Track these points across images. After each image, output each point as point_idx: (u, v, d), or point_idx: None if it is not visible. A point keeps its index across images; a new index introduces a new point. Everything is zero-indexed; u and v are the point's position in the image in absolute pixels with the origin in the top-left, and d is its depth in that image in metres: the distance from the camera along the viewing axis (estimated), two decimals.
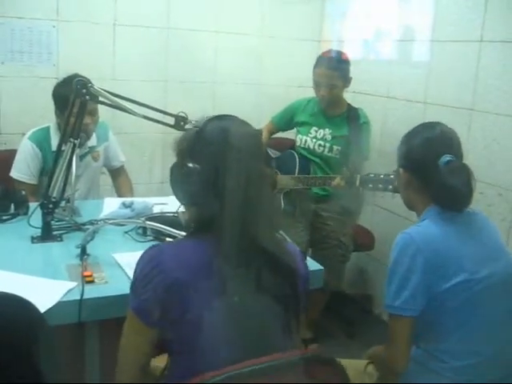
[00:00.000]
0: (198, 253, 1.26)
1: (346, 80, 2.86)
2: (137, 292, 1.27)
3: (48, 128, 2.69)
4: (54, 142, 2.63)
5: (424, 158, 1.64)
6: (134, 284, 1.28)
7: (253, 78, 3.64)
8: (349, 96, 2.98)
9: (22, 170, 2.65)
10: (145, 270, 1.25)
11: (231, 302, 1.22)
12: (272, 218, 1.31)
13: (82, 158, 2.68)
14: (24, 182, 2.63)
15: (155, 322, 1.25)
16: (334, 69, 2.79)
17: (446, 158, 1.58)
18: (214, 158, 1.28)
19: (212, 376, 1.08)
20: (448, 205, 1.62)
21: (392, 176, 2.40)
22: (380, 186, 2.42)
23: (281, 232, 1.46)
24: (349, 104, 2.96)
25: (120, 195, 2.98)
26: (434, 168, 1.59)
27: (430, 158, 1.61)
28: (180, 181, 1.34)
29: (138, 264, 1.29)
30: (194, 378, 1.11)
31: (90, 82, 2.03)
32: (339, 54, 2.87)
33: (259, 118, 3.27)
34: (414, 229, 1.64)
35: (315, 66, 2.88)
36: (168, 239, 1.91)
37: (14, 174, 2.66)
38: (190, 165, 1.29)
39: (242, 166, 1.25)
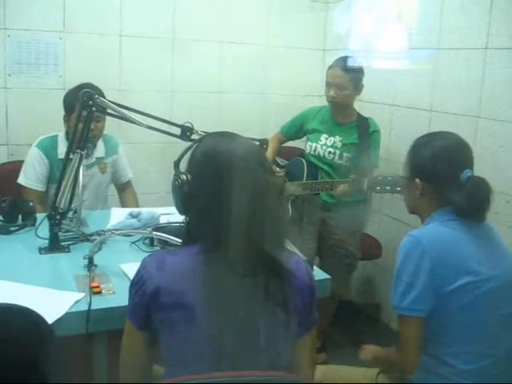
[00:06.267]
0: (188, 262, 1.29)
1: (357, 87, 2.84)
2: (130, 297, 1.34)
3: (56, 136, 2.72)
4: (61, 149, 2.66)
5: (445, 171, 1.65)
6: (129, 290, 1.35)
7: (258, 87, 3.65)
8: (355, 105, 2.98)
9: (30, 176, 2.67)
10: (136, 276, 1.32)
11: (218, 312, 1.24)
12: (269, 229, 1.30)
13: (87, 168, 2.69)
14: (32, 189, 2.66)
15: (143, 326, 1.31)
16: (346, 71, 2.80)
17: (468, 173, 1.62)
18: (206, 169, 1.32)
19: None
20: (470, 216, 1.64)
21: (400, 176, 2.40)
22: (388, 188, 2.42)
23: (287, 241, 1.45)
24: (359, 113, 2.96)
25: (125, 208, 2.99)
26: (454, 180, 1.62)
27: (451, 171, 1.63)
28: (176, 191, 1.40)
29: None
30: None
31: (101, 93, 2.04)
32: (354, 60, 2.87)
33: (265, 127, 3.27)
34: (420, 231, 1.65)
35: (329, 68, 2.89)
36: None
37: (22, 180, 2.68)
38: (184, 176, 1.36)
39: (234, 178, 1.27)
